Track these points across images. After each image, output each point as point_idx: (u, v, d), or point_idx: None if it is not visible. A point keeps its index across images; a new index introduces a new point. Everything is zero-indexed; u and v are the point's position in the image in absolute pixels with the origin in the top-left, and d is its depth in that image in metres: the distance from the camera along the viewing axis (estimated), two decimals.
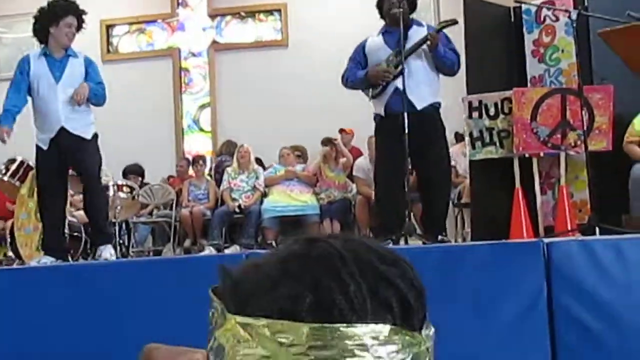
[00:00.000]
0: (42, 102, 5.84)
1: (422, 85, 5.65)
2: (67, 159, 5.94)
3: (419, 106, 5.58)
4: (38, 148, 5.91)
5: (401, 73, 5.47)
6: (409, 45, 5.64)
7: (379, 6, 5.94)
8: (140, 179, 9.87)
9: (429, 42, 5.62)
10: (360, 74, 5.81)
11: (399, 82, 5.53)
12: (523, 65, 6.87)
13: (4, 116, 5.79)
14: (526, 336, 3.86)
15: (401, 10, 5.61)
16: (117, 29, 11.96)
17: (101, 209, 6.23)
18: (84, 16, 5.97)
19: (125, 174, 9.79)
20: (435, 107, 5.74)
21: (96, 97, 5.88)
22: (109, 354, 4.22)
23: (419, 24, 5.90)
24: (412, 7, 5.91)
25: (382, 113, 5.70)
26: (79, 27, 5.95)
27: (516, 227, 5.96)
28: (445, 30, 5.84)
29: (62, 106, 5.78)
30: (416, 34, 5.74)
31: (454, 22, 5.88)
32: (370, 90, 5.76)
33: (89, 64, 5.98)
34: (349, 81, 5.96)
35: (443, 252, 4.59)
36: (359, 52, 5.96)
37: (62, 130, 5.82)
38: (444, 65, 5.77)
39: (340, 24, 10.81)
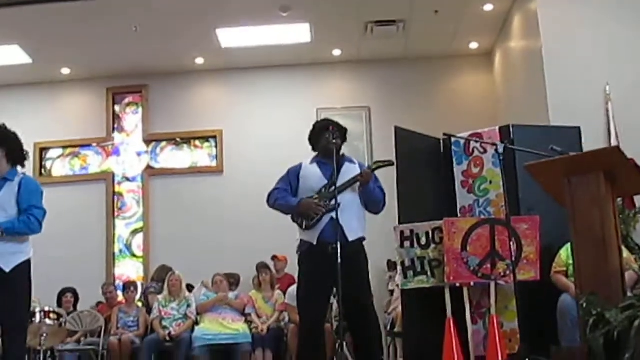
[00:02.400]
0: None
1: (354, 219, 5.67)
2: None
3: (351, 238, 5.58)
4: None
5: (335, 208, 5.49)
6: (343, 179, 5.72)
7: (312, 139, 5.99)
8: (73, 300, 9.73)
9: (361, 179, 5.68)
10: (292, 201, 5.79)
11: (334, 214, 5.53)
12: (453, 196, 7.01)
13: None
14: None
15: (336, 144, 5.73)
16: (51, 152, 11.92)
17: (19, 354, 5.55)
18: (15, 144, 5.69)
19: (61, 295, 9.72)
20: (361, 240, 5.74)
21: (11, 229, 5.43)
22: None
23: (351, 161, 5.94)
24: (344, 140, 5.97)
25: (314, 241, 5.65)
26: (11, 155, 5.68)
27: (448, 356, 5.95)
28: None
29: None
30: (348, 170, 5.80)
31: (390, 163, 5.95)
32: (304, 221, 5.73)
33: (22, 184, 5.61)
34: (277, 202, 5.88)
35: None
36: (293, 175, 5.94)
37: None
38: (372, 202, 5.81)
39: (272, 152, 10.96)
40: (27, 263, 5.56)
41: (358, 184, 5.69)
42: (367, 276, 5.74)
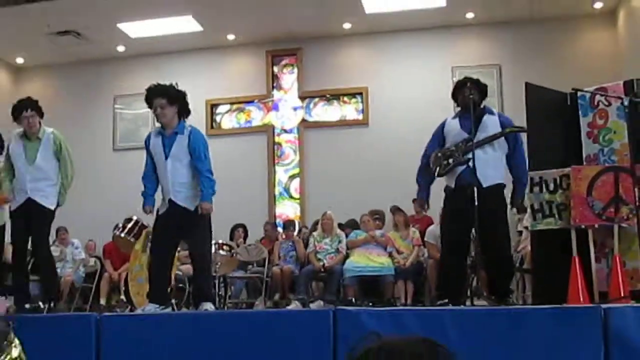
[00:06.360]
0: (159, 174, 5.96)
1: (489, 168, 5.74)
2: (178, 229, 5.91)
3: (485, 183, 5.62)
4: (157, 212, 6.01)
5: (464, 161, 5.58)
6: (484, 130, 5.76)
7: (454, 95, 6.04)
8: (243, 235, 10.16)
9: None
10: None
11: (470, 163, 5.64)
12: (579, 145, 6.77)
13: (147, 199, 6.03)
14: None
15: (473, 98, 5.71)
16: (220, 107, 12.28)
17: (205, 279, 6.09)
18: (185, 102, 5.92)
19: (234, 230, 10.15)
20: (499, 186, 5.76)
21: (208, 196, 5.83)
22: None
23: (491, 112, 5.99)
24: (483, 94, 5.97)
25: (452, 185, 5.77)
26: (182, 111, 5.92)
27: (573, 292, 5.80)
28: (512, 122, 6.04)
29: (171, 180, 5.83)
30: (488, 120, 5.83)
31: (522, 129, 6.07)
32: (437, 168, 5.83)
33: (192, 138, 5.87)
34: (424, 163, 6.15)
35: (506, 314, 4.51)
36: (439, 131, 6.07)
37: (171, 202, 5.88)
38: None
39: (412, 105, 10.93)
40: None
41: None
42: (502, 216, 5.75)
